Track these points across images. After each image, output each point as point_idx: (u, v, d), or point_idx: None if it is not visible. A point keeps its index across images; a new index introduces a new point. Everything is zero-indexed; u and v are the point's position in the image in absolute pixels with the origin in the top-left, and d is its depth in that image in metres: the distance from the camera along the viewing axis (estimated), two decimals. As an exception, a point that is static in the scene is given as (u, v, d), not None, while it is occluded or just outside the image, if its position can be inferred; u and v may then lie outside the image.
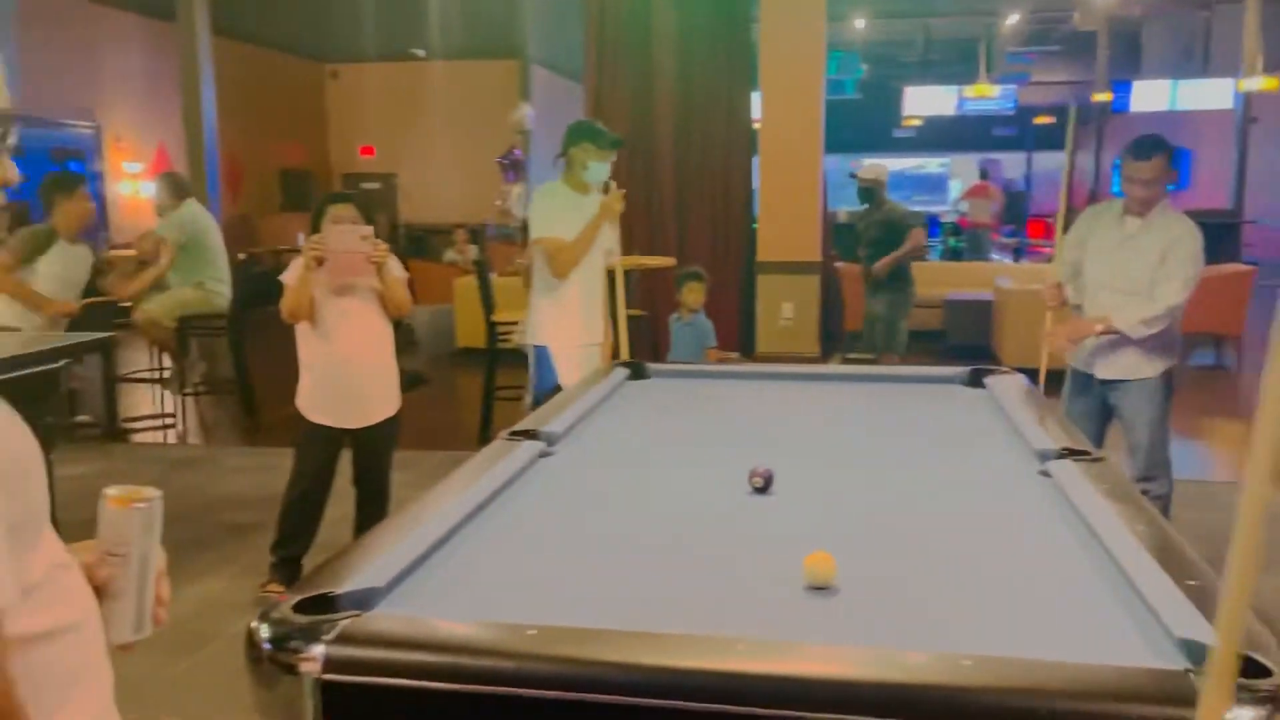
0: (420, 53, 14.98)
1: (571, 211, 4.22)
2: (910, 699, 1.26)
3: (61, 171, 7.05)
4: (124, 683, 1.07)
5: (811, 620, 1.55)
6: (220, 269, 6.47)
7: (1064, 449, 2.35)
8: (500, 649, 1.37)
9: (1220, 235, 11.36)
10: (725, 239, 8.37)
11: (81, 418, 6.13)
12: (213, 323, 6.56)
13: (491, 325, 6.24)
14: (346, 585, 1.51)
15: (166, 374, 6.78)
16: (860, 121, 16.21)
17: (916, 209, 7.81)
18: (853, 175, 7.06)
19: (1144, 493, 3.35)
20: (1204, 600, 1.44)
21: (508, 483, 2.19)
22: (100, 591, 1.06)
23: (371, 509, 3.86)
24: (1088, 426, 3.77)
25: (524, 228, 9.48)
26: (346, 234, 3.59)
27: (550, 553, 1.88)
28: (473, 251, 10.54)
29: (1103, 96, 15.55)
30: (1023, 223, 18.21)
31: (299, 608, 1.44)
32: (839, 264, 8.96)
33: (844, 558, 1.65)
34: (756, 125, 8.39)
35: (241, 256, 10.44)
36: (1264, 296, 8.74)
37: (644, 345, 4.68)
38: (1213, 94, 15.18)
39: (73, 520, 1.37)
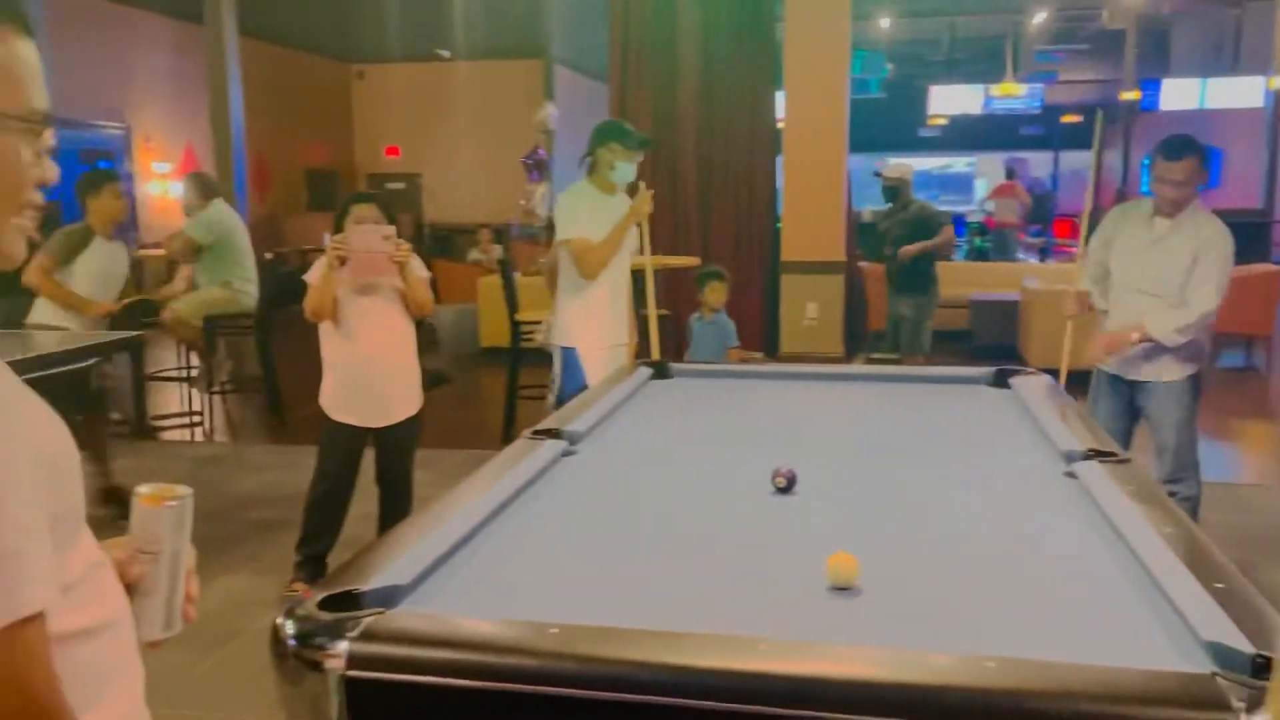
0: (445, 53, 15.04)
1: (599, 212, 4.19)
2: (934, 701, 1.25)
3: (92, 170, 7.12)
4: (150, 678, 1.08)
5: (834, 621, 1.54)
6: (247, 269, 6.52)
7: (1090, 450, 2.33)
8: (523, 647, 1.37)
9: (1250, 235, 11.25)
10: (749, 239, 8.35)
11: (111, 416, 6.19)
12: (240, 322, 6.61)
13: (515, 324, 6.26)
14: (370, 583, 1.52)
15: (194, 372, 6.85)
16: (885, 120, 16.12)
17: (943, 209, 7.76)
18: (877, 174, 7.03)
19: (1171, 495, 3.32)
20: (1231, 603, 1.43)
21: (530, 481, 2.19)
22: (131, 589, 1.06)
23: (394, 507, 3.89)
24: (1114, 428, 3.74)
25: (548, 227, 9.50)
26: (369, 234, 3.61)
27: (572, 551, 1.89)
28: (497, 251, 10.58)
29: (1131, 95, 15.40)
30: (1049, 222, 18.06)
31: (323, 604, 1.44)
32: (863, 264, 8.92)
33: (867, 558, 1.65)
34: (780, 124, 8.36)
35: (268, 256, 10.50)
36: (1295, 297, 8.63)
37: (666, 345, 4.67)
38: (1243, 92, 14.99)
39: (101, 518, 1.38)
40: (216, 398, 6.96)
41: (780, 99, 8.32)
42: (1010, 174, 15.77)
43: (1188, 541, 1.74)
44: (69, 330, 4.94)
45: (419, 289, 3.75)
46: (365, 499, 3.96)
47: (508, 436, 5.46)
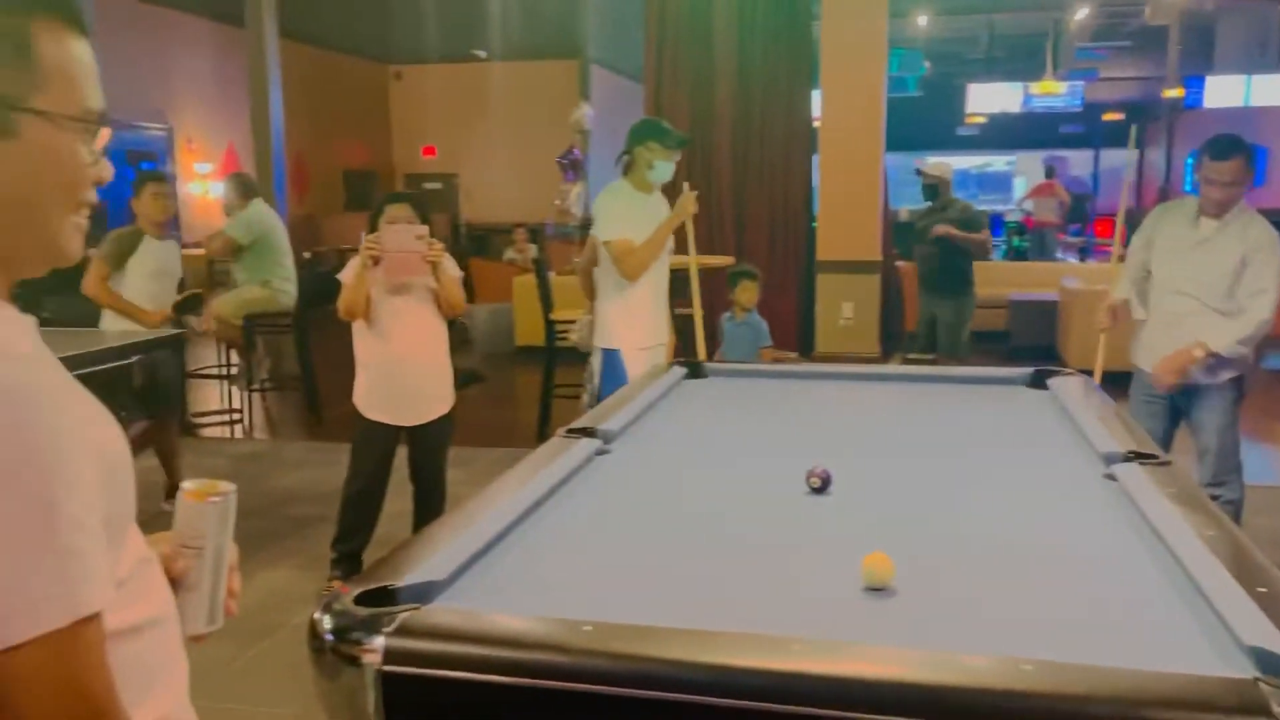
0: (481, 54, 15.12)
1: (638, 211, 4.15)
2: (969, 703, 1.24)
3: (138, 171, 7.22)
4: (191, 671, 1.09)
5: (868, 622, 1.54)
6: (286, 268, 6.59)
7: (1130, 452, 2.30)
8: (556, 644, 1.38)
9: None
10: (784, 238, 8.33)
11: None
12: (278, 320, 6.68)
13: (550, 324, 6.28)
14: (406, 579, 1.53)
15: (234, 370, 6.93)
16: (922, 119, 15.98)
17: (981, 208, 7.67)
18: (918, 172, 6.97)
19: (1214, 498, 3.27)
20: (1275, 607, 1.41)
21: (564, 480, 2.20)
22: (175, 583, 1.07)
23: (428, 505, 3.92)
24: (1155, 429, 3.69)
25: (582, 227, 9.51)
26: (402, 233, 3.63)
27: (606, 550, 1.89)
28: (532, 250, 10.61)
29: (1174, 92, 15.16)
30: (1089, 221, 17.83)
31: (360, 600, 1.46)
32: (900, 263, 8.86)
33: (902, 559, 1.64)
34: (816, 123, 8.33)
35: (306, 255, 10.64)
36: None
37: (695, 344, 4.65)
38: (1289, 89, 14.72)
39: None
40: (256, 395, 7.04)
41: (816, 98, 8.28)
42: (1050, 173, 15.58)
43: (1230, 545, 1.72)
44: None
45: (452, 288, 3.77)
46: (399, 496, 3.99)
47: (542, 435, 5.48)
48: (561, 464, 2.26)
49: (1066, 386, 3.13)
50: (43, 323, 0.94)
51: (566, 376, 5.98)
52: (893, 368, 5.12)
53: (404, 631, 1.39)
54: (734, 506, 2.14)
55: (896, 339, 8.47)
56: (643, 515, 2.10)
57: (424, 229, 3.67)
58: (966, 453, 2.59)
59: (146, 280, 5.17)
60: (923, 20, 13.69)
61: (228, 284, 6.75)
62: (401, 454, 3.94)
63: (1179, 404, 3.84)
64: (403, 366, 3.80)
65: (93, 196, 0.99)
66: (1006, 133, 19.44)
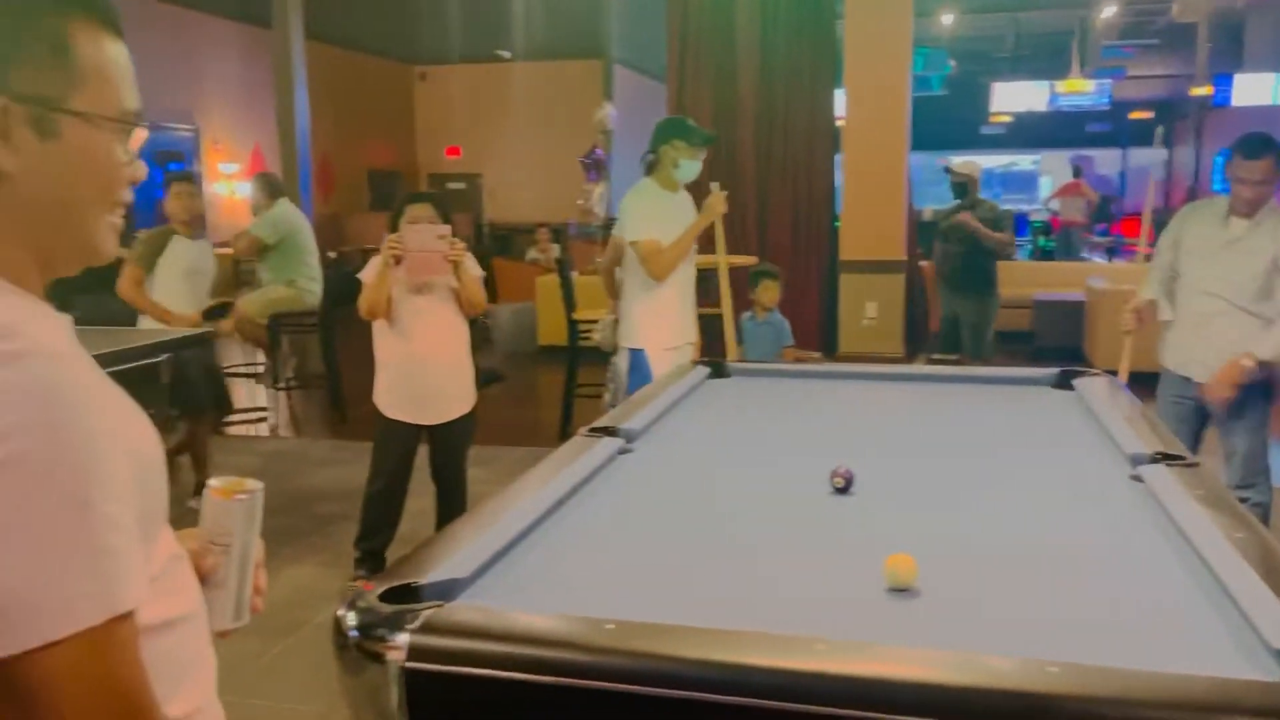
0: (505, 54, 15.16)
1: (664, 211, 4.14)
2: (993, 705, 1.24)
3: (165, 172, 7.29)
4: (217, 666, 1.10)
5: (892, 622, 1.53)
6: (312, 267, 6.63)
7: (1157, 453, 2.28)
8: (579, 642, 1.38)
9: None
10: (807, 237, 8.30)
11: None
12: (304, 320, 6.73)
13: (572, 323, 6.29)
14: (429, 576, 1.54)
15: (261, 369, 6.99)
16: (947, 117, 15.91)
17: (1006, 208, 7.62)
18: (946, 170, 6.93)
19: (1242, 500, 3.24)
20: (1304, 611, 1.39)
21: (586, 479, 2.21)
22: (202, 580, 1.08)
23: (450, 503, 3.93)
24: (1182, 431, 3.65)
25: (605, 226, 9.51)
26: (424, 233, 3.65)
27: (628, 548, 1.90)
28: (555, 250, 10.64)
29: (1202, 91, 15.00)
30: (1116, 221, 17.66)
31: (384, 597, 1.47)
32: (925, 263, 8.81)
33: (926, 560, 1.63)
34: (840, 123, 8.30)
35: (332, 255, 10.69)
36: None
37: (721, 344, 4.65)
38: (1320, 87, 14.51)
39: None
40: (282, 394, 7.09)
41: (840, 97, 8.26)
42: (1076, 172, 15.46)
43: (1258, 547, 1.70)
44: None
45: (473, 288, 3.79)
46: (422, 495, 4.01)
47: (565, 434, 5.50)
48: (584, 463, 2.26)
49: (1092, 387, 3.10)
50: (75, 322, 0.95)
51: (589, 376, 5.99)
52: (916, 368, 5.09)
53: (427, 629, 1.39)
54: (757, 506, 2.14)
55: (921, 340, 8.43)
56: (665, 514, 2.10)
57: (446, 228, 3.69)
58: (991, 453, 2.58)
59: (178, 280, 5.21)
60: (948, 19, 13.62)
61: (253, 283, 6.80)
62: (423, 453, 3.96)
63: (1207, 405, 3.80)
64: (423, 366, 3.82)
65: (128, 196, 1.00)
66: (1032, 132, 19.30)
